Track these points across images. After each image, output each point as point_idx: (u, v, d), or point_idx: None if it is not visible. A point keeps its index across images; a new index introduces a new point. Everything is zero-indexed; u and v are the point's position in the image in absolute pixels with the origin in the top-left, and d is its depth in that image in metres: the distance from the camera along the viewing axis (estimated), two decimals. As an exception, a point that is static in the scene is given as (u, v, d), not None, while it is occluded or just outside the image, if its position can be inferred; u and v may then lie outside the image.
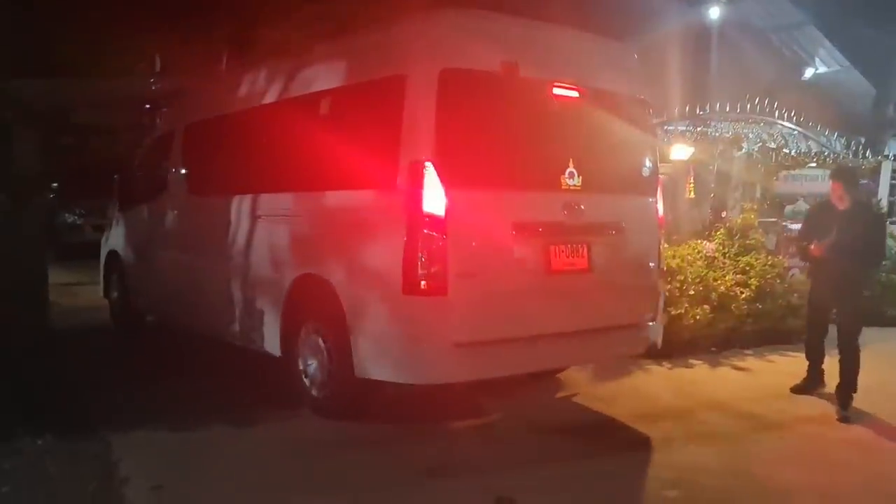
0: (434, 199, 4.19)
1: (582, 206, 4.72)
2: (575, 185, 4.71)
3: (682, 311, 7.01)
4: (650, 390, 5.93)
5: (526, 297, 4.52)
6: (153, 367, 6.34)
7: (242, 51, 10.04)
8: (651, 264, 5.27)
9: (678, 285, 7.13)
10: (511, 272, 4.48)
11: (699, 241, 7.79)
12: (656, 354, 6.71)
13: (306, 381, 4.99)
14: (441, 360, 4.31)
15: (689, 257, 7.47)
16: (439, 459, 4.28)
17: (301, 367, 5.01)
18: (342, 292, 4.63)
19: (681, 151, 8.24)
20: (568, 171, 4.68)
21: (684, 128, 8.97)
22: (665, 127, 8.94)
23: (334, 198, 4.90)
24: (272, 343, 5.27)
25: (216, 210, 6.09)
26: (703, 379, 6.35)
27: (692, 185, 8.40)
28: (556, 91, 4.74)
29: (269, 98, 5.73)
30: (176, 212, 6.77)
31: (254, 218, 5.61)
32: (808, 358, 5.88)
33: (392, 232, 4.30)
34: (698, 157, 8.38)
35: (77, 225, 13.97)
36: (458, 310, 4.27)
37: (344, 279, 4.67)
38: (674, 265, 7.22)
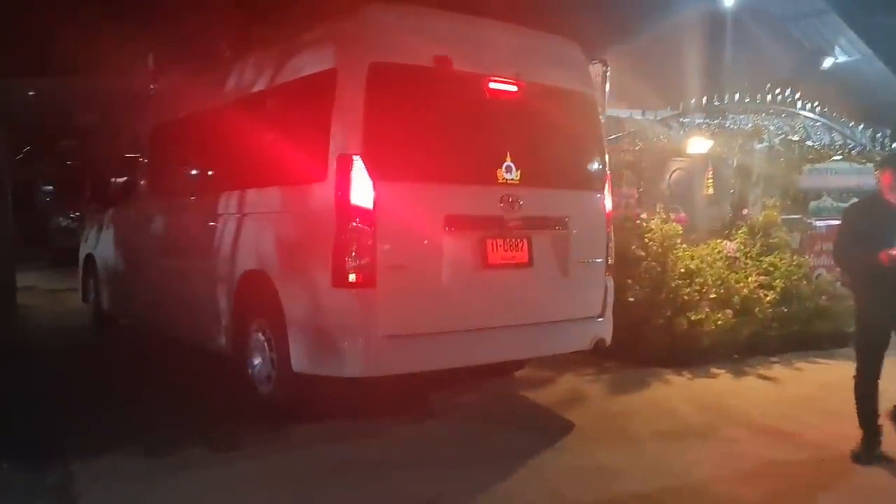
0: (362, 191, 4.19)
1: (521, 200, 4.70)
2: (513, 179, 4.71)
3: (703, 316, 6.56)
4: (670, 403, 5.45)
5: (461, 290, 4.53)
6: (127, 380, 5.89)
7: (234, 47, 9.66)
8: (598, 259, 5.24)
9: (697, 288, 6.69)
10: (445, 265, 4.47)
11: (719, 241, 7.31)
12: (675, 363, 6.36)
13: (253, 378, 4.95)
14: (372, 352, 4.29)
15: (709, 258, 7.00)
16: (437, 489, 3.82)
17: (248, 364, 4.98)
18: (280, 287, 4.65)
19: (698, 145, 7.75)
20: (505, 164, 4.68)
21: (700, 120, 8.46)
22: (680, 119, 8.44)
23: (272, 194, 4.95)
24: (225, 342, 5.24)
25: (170, 212, 6.34)
26: (726, 390, 5.87)
27: (710, 180, 7.91)
28: (493, 85, 4.73)
29: (216, 101, 5.87)
30: (136, 214, 6.92)
31: (204, 217, 5.65)
32: (863, 413, 4.34)
33: (322, 225, 4.32)
34: (717, 151, 7.88)
35: (71, 228, 13.63)
36: (388, 302, 4.26)
37: (281, 274, 4.70)
38: (692, 267, 6.78)
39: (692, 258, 6.85)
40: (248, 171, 5.22)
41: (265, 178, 5.01)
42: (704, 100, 8.40)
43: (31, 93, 15.32)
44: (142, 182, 6.93)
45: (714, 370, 6.38)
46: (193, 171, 6.18)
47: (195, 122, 6.10)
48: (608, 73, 7.69)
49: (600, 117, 5.52)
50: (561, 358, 6.57)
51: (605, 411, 5.27)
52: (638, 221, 6.94)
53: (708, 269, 6.85)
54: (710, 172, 7.95)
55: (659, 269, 6.67)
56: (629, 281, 6.63)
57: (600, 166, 5.35)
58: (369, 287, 4.20)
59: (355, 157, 4.19)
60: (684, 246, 6.91)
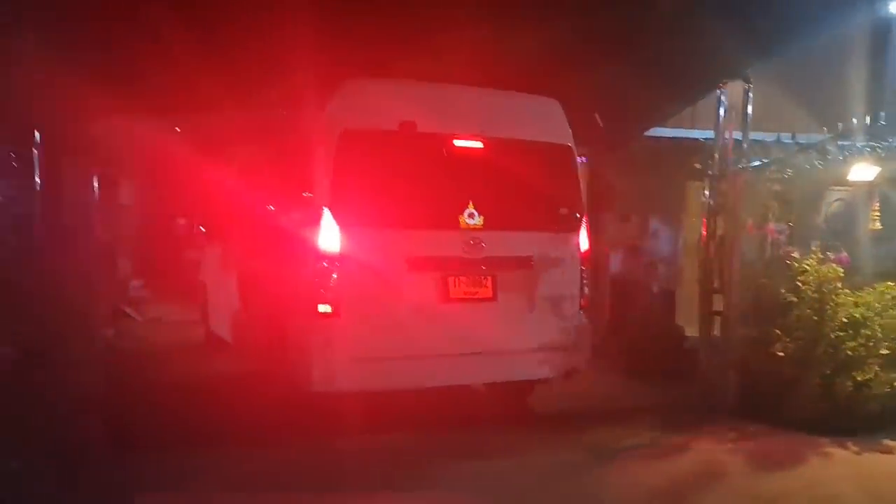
0: (329, 237, 5.03)
1: (483, 243, 5.38)
2: (476, 224, 5.40)
3: (872, 375, 5.50)
4: (833, 487, 4.47)
5: (422, 321, 5.20)
6: (204, 417, 5.53)
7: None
8: (569, 294, 5.79)
9: (863, 342, 5.62)
10: (406, 299, 5.20)
11: (890, 285, 6.15)
12: (836, 430, 5.37)
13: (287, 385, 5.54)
14: (339, 371, 5.00)
15: (878, 305, 5.87)
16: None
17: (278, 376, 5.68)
18: (286, 317, 5.48)
19: (862, 172, 6.62)
20: (468, 211, 5.38)
21: (863, 144, 7.28)
22: (838, 143, 7.31)
23: (282, 238, 5.73)
24: (273, 360, 5.79)
25: (230, 245, 7.55)
26: (907, 471, 4.81)
27: (878, 213, 6.74)
28: (457, 143, 5.47)
29: (239, 163, 7.49)
30: (213, 248, 8.30)
31: (248, 256, 6.75)
32: None
33: (301, 265, 5.24)
34: (886, 177, 6.71)
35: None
36: (352, 330, 5.04)
37: (284, 305, 5.55)
38: (857, 316, 5.72)
39: (856, 305, 5.78)
40: (267, 219, 6.28)
41: (279, 226, 5.89)
42: (868, 119, 7.25)
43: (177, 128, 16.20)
44: (216, 217, 8.23)
45: (887, 442, 5.32)
46: (235, 220, 7.29)
47: (235, 168, 7.53)
48: (750, 94, 6.79)
49: (576, 165, 5.98)
50: (696, 420, 5.80)
51: (749, 494, 4.38)
52: (788, 262, 5.99)
53: (877, 318, 5.76)
54: (878, 203, 6.79)
55: (815, 318, 5.69)
56: (777, 331, 5.75)
57: (574, 210, 5.89)
58: (335, 317, 5.02)
59: (324, 208, 5.01)
60: (846, 291, 5.86)
